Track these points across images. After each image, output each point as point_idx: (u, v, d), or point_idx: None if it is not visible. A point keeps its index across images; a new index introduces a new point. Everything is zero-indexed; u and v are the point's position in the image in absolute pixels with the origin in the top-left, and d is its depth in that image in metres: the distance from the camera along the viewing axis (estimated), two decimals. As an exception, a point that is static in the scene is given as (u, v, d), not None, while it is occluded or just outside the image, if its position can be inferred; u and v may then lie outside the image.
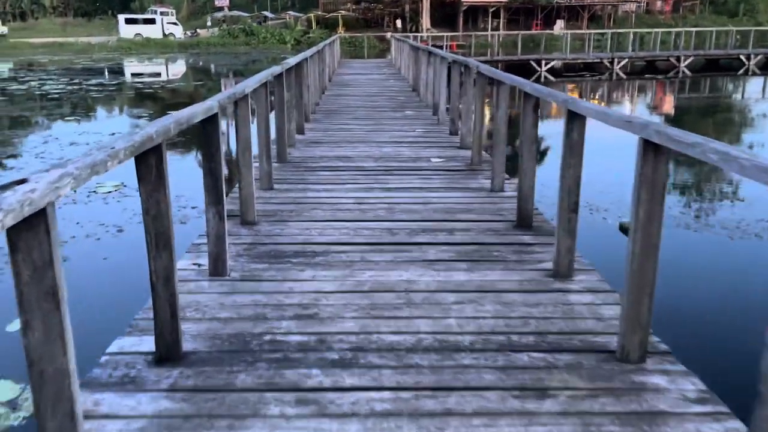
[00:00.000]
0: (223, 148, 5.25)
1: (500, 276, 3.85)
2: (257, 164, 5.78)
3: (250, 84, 4.55)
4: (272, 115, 6.54)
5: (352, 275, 3.77)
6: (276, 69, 6.18)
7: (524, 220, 4.71)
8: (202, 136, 3.53)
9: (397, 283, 3.67)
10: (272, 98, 6.43)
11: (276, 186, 5.76)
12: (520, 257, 4.15)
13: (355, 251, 4.17)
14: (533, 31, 41.28)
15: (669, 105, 20.67)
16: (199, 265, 3.86)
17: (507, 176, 5.79)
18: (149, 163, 2.64)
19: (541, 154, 10.65)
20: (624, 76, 27.53)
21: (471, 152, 7.04)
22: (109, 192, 7.35)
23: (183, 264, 3.90)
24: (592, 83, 25.66)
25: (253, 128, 5.05)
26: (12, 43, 45.71)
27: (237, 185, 4.72)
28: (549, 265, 4.02)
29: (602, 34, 33.20)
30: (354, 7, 53.31)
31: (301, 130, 8.68)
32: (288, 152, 7.22)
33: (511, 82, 5.15)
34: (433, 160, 6.99)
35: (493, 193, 5.63)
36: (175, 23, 50.33)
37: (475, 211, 5.08)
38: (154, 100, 20.51)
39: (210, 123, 3.50)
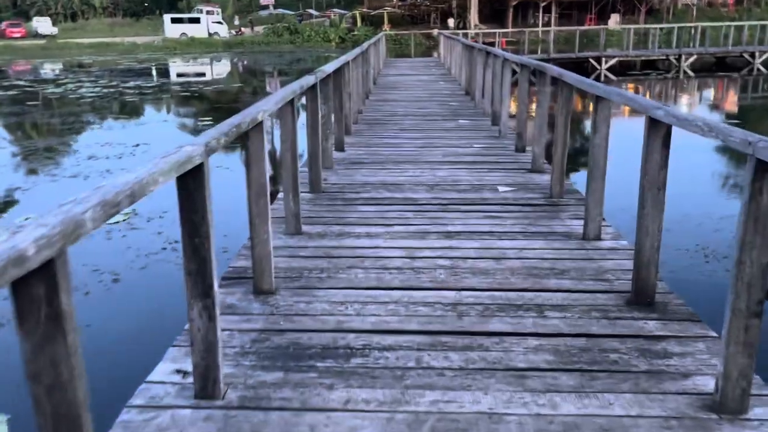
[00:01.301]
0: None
1: (630, 408, 2.50)
2: (281, 204, 4.62)
3: (265, 107, 3.34)
4: (306, 132, 5.37)
5: (405, 401, 2.52)
6: (308, 80, 4.98)
7: (643, 293, 3.37)
8: (179, 194, 2.36)
9: (474, 421, 2.42)
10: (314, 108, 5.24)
11: (305, 228, 4.57)
12: (652, 364, 2.80)
13: (407, 347, 2.93)
14: (588, 27, 39.17)
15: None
16: (184, 373, 2.68)
17: (604, 220, 4.45)
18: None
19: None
20: (692, 74, 25.46)
21: (549, 180, 5.70)
22: (117, 222, 6.34)
23: (161, 372, 2.74)
24: (660, 82, 23.72)
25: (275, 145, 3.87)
26: (60, 43, 46.11)
27: (249, 240, 3.53)
28: (703, 382, 2.66)
29: (662, 29, 30.94)
30: (399, 4, 51.94)
31: (340, 147, 7.48)
32: (324, 178, 6.02)
33: (620, 100, 3.80)
34: (501, 189, 5.69)
35: (586, 242, 4.30)
36: (220, 22, 50.00)
37: (568, 275, 3.76)
38: (194, 101, 19.71)
39: (193, 178, 2.32)
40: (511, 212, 4.99)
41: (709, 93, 22.41)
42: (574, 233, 4.48)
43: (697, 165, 9.11)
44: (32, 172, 9.86)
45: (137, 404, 2.49)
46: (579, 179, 6.20)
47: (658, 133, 3.14)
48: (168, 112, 18.31)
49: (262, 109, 3.25)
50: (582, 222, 4.58)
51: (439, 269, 3.83)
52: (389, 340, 3.00)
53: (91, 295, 4.70)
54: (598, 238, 4.33)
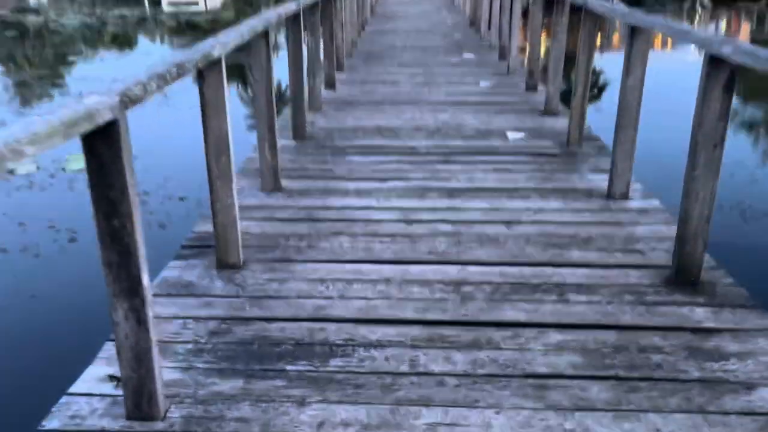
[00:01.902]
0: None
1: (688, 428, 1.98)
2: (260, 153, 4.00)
3: (223, 40, 2.66)
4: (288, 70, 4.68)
5: (395, 424, 1.98)
6: (289, 7, 4.24)
7: (686, 271, 2.79)
8: (87, 163, 1.74)
9: (484, 454, 1.90)
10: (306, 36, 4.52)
11: (285, 184, 3.96)
12: (704, 369, 2.24)
13: (400, 343, 2.37)
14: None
15: None
16: (118, 381, 2.14)
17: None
18: None
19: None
20: (708, 5, 24.11)
21: (565, 125, 5.05)
22: (82, 170, 5.72)
23: (88, 379, 2.19)
24: (673, 15, 22.44)
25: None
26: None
27: (211, 203, 2.93)
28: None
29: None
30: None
31: (331, 84, 6.76)
32: (310, 122, 5.35)
33: (667, 31, 3.10)
34: (511, 135, 5.03)
35: (612, 202, 3.70)
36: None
37: (593, 244, 3.18)
38: (186, 31, 18.63)
39: (104, 141, 1.70)
40: (522, 164, 4.36)
41: (723, 25, 21.24)
42: (596, 190, 3.86)
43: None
44: None
45: (52, 428, 1.96)
46: (593, 124, 5.54)
47: (720, 75, 2.48)
48: (157, 43, 17.32)
49: (218, 43, 2.58)
50: (606, 177, 3.97)
51: (439, 237, 3.24)
52: (378, 332, 2.45)
53: (41, 259, 4.15)
54: (626, 197, 3.72)
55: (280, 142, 4.78)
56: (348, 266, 2.95)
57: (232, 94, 8.92)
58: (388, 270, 2.91)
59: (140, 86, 1.82)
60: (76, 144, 1.66)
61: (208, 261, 2.98)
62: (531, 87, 6.61)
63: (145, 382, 1.92)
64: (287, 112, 5.29)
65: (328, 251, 3.09)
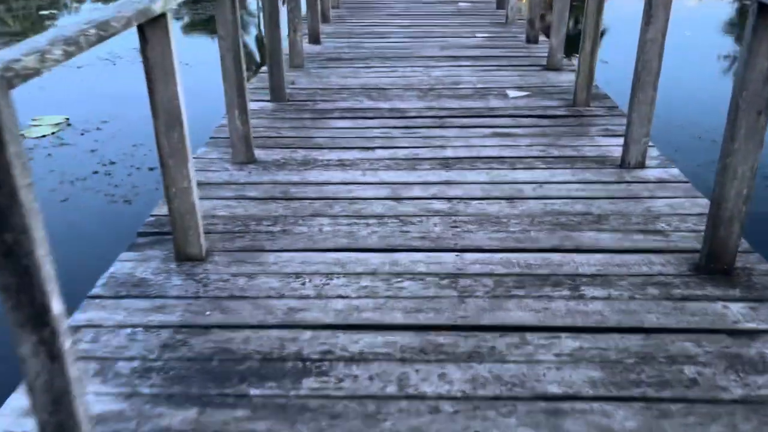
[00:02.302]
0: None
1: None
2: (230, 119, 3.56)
3: (167, -10, 2.20)
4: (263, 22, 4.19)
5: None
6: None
7: (719, 258, 2.41)
8: None
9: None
10: None
11: (259, 155, 3.52)
12: (748, 386, 1.86)
13: (386, 356, 1.97)
14: None
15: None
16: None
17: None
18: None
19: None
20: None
21: (571, 82, 4.60)
22: (44, 136, 5.26)
23: (4, 416, 1.82)
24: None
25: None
26: None
27: (164, 187, 2.51)
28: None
29: None
30: None
31: (315, 38, 6.23)
32: (290, 81, 4.87)
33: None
34: (511, 94, 4.57)
35: (626, 171, 3.29)
36: None
37: (608, 223, 2.78)
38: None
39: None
40: (525, 127, 3.92)
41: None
42: (609, 158, 3.45)
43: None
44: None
45: (-44, 484, 1.60)
46: (600, 77, 5.07)
47: (771, 26, 2.05)
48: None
49: (160, -6, 2.12)
50: (618, 142, 3.56)
51: (433, 218, 2.85)
52: (360, 342, 2.07)
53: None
54: (642, 165, 3.31)
55: (257, 105, 4.34)
56: (328, 255, 2.55)
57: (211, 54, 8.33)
58: (374, 260, 2.52)
59: (36, 56, 1.39)
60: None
61: (166, 251, 2.58)
62: (532, 39, 6.11)
63: (66, 429, 1.56)
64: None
65: (305, 237, 2.70)
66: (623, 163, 3.32)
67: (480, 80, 4.91)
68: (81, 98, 6.55)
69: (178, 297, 2.30)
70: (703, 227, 2.69)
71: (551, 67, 5.16)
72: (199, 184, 3.15)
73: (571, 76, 4.93)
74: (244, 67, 3.25)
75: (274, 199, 3.03)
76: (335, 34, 6.72)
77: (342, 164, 3.41)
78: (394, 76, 5.06)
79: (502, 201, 2.99)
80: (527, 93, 4.56)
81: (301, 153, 3.57)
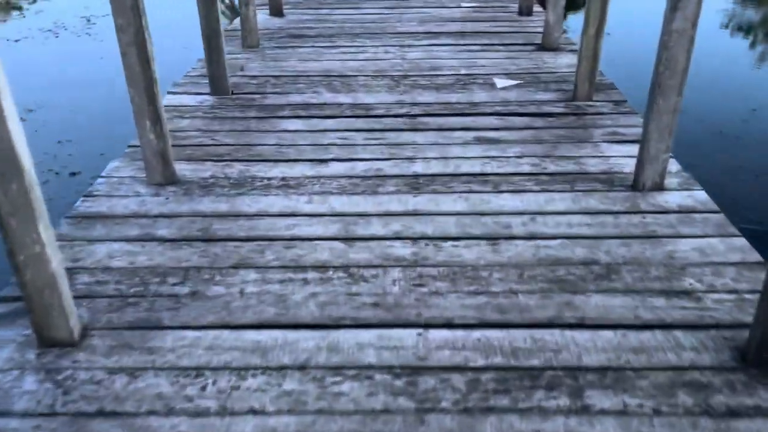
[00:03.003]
0: None
1: None
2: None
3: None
4: None
5: None
6: None
7: (771, 344, 1.79)
8: None
9: None
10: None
11: (184, 171, 2.83)
12: None
13: None
14: None
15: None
16: None
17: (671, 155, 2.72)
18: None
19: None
20: None
21: (571, 67, 3.91)
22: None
23: None
24: None
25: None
26: None
27: (9, 254, 1.83)
28: None
29: None
30: None
31: (277, 9, 5.44)
32: (240, 68, 4.12)
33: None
34: (500, 83, 3.86)
35: (641, 196, 2.62)
36: None
37: (620, 280, 2.09)
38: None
39: None
40: (515, 130, 3.23)
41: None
42: (618, 175, 2.78)
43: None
44: None
45: None
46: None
47: None
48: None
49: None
50: (629, 150, 2.90)
51: (392, 270, 2.18)
52: (270, 499, 1.45)
53: None
54: (660, 186, 2.65)
55: (193, 100, 3.61)
56: (245, 336, 1.90)
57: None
58: (307, 342, 1.87)
59: None
60: None
61: (28, 331, 1.93)
62: (525, 10, 5.35)
63: None
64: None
65: (220, 305, 2.03)
66: (637, 185, 2.65)
67: (463, 64, 4.18)
68: (8, 81, 5.78)
69: (24, 414, 1.66)
70: (745, 284, 2.06)
71: (547, 46, 4.44)
72: (98, 217, 2.47)
73: (571, 59, 4.21)
74: (154, 63, 2.53)
75: (189, 241, 2.35)
76: (302, 3, 5.92)
77: (286, 185, 2.73)
78: (362, 59, 4.32)
79: (483, 242, 2.33)
80: (518, 82, 3.85)
81: (237, 168, 2.88)
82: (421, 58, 4.30)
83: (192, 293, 2.07)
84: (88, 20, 7.31)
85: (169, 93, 3.70)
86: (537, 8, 5.51)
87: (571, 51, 4.40)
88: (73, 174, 3.83)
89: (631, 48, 5.78)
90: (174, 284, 2.12)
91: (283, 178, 2.78)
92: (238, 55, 4.39)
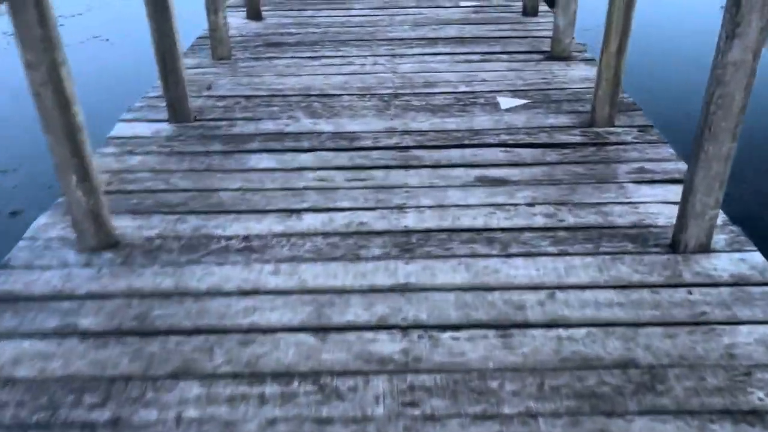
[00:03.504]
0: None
1: None
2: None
3: None
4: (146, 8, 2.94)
5: None
6: None
7: None
8: None
9: None
10: None
11: (125, 229, 2.35)
12: None
13: None
14: None
15: None
16: None
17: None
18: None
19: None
20: None
21: (589, 85, 3.42)
22: None
23: None
24: None
25: None
26: None
27: None
28: None
29: None
30: None
31: (255, 12, 4.91)
32: (207, 86, 3.61)
33: None
34: (504, 103, 3.35)
35: (682, 260, 2.14)
36: None
37: (670, 389, 1.61)
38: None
39: None
40: (524, 166, 2.73)
41: None
42: (651, 230, 2.29)
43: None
44: None
45: None
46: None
47: None
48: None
49: None
50: (663, 193, 2.42)
51: (375, 379, 1.69)
52: None
53: None
54: (707, 248, 2.17)
55: (149, 129, 3.10)
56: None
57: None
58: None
59: None
60: None
61: None
62: (530, 10, 4.83)
63: None
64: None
65: (149, 439, 1.57)
66: (677, 245, 2.17)
67: (462, 78, 3.68)
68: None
69: None
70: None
71: (557, 54, 3.93)
72: (10, 300, 1.98)
73: (585, 70, 3.70)
74: (76, 105, 2.03)
75: (120, 334, 1.87)
76: (284, 3, 5.39)
77: (248, 247, 2.24)
78: (347, 72, 3.80)
79: (490, 333, 1.85)
80: (525, 101, 3.34)
81: (192, 223, 2.39)
82: (414, 71, 3.79)
83: (113, 421, 1.60)
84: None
85: (121, 121, 3.20)
86: (543, 6, 4.99)
87: (585, 60, 3.89)
88: (13, 214, 3.34)
89: (648, 51, 5.27)
90: (91, 406, 1.64)
91: (245, 237, 2.29)
92: (207, 69, 3.88)
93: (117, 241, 2.27)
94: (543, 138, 2.96)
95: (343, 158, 2.82)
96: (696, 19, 6.42)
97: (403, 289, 2.02)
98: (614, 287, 2.01)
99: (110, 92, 4.79)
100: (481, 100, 3.37)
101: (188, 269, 2.13)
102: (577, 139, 2.94)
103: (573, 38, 3.96)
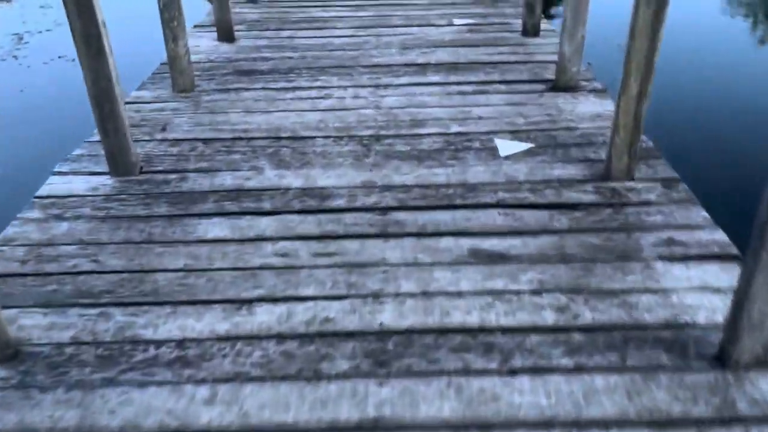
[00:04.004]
0: None
1: None
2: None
3: None
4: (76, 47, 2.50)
5: None
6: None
7: None
8: None
9: None
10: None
11: (32, 328, 1.89)
12: None
13: None
14: None
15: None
16: None
17: None
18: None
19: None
20: None
21: (611, 133, 2.97)
22: None
23: None
24: None
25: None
26: None
27: None
28: None
29: None
30: None
31: (227, 33, 4.45)
32: (162, 127, 3.14)
33: None
34: (504, 148, 2.89)
35: (734, 380, 1.69)
36: None
37: None
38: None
39: None
40: (528, 235, 2.27)
41: None
42: (689, 332, 1.82)
43: None
44: None
45: None
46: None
47: None
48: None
49: None
50: (697, 276, 1.96)
51: None
52: None
53: None
54: (764, 362, 1.72)
55: (83, 184, 2.62)
56: None
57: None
58: None
59: None
60: None
61: None
62: (531, 29, 4.37)
63: None
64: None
65: None
66: (725, 358, 1.71)
67: (454, 115, 3.21)
68: None
69: None
70: None
71: (563, 85, 3.47)
72: None
73: (596, 104, 3.24)
74: None
75: None
76: (260, 22, 4.93)
77: (181, 357, 1.78)
78: (324, 108, 3.34)
79: (489, 501, 1.40)
80: (528, 146, 2.88)
81: (116, 320, 1.92)
82: (400, 106, 3.33)
83: None
84: (21, 38, 6.30)
85: (55, 174, 2.73)
86: (545, 24, 4.53)
87: (594, 91, 3.43)
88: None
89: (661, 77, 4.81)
90: None
91: (179, 343, 1.83)
92: (166, 104, 3.42)
93: (19, 350, 1.81)
94: (550, 196, 2.50)
95: (310, 223, 2.36)
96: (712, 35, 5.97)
97: (374, 427, 1.56)
98: (649, 425, 1.55)
99: (74, 120, 4.33)
100: (476, 144, 2.91)
101: (100, 395, 1.66)
102: (591, 197, 2.48)
103: (580, 67, 3.50)
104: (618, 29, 5.79)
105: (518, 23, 4.64)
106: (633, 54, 2.33)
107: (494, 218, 2.36)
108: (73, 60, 5.80)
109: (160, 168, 2.76)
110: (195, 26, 4.80)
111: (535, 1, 4.27)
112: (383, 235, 2.29)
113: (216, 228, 2.34)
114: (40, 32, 6.44)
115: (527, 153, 2.82)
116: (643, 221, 2.32)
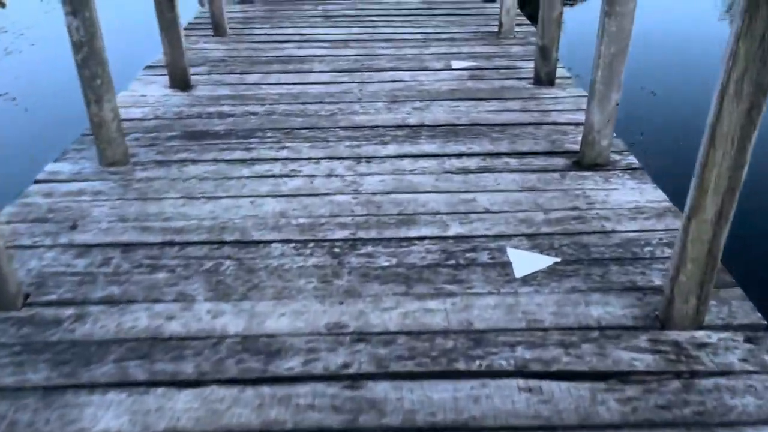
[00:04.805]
0: None
1: None
2: None
3: None
4: None
5: None
6: None
7: None
8: None
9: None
10: None
11: None
12: None
13: None
14: None
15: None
16: None
17: None
18: None
19: None
20: None
21: (673, 270, 2.23)
22: None
23: None
24: None
25: None
26: None
27: None
28: None
29: None
30: None
31: (181, 80, 3.72)
32: (72, 224, 2.39)
33: None
34: (521, 270, 2.19)
35: None
36: None
37: None
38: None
39: None
40: (564, 431, 1.58)
41: None
42: None
43: None
44: None
45: None
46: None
47: None
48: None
49: None
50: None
51: None
52: None
53: None
54: None
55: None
56: None
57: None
58: None
59: None
60: None
61: None
62: (545, 78, 3.67)
63: None
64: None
65: None
66: None
67: (454, 208, 2.49)
68: None
69: None
70: None
71: (590, 162, 2.76)
72: None
73: (635, 192, 2.52)
74: None
75: None
76: (225, 62, 4.20)
77: None
78: (287, 193, 2.61)
79: None
80: (553, 260, 2.17)
81: None
82: (384, 191, 2.61)
83: None
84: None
85: None
86: (560, 71, 3.81)
87: (630, 169, 2.73)
88: None
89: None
90: None
91: None
92: (85, 185, 2.68)
93: None
94: (589, 357, 1.77)
95: (246, 405, 1.63)
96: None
97: None
98: None
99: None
100: (484, 257, 2.19)
101: None
102: (647, 360, 1.76)
103: (612, 140, 2.79)
104: (638, 64, 5.11)
105: (528, 67, 3.94)
106: (710, 165, 1.63)
107: (513, 398, 1.65)
108: (15, 99, 5.08)
109: (53, 297, 2.03)
110: (146, 67, 4.08)
111: (552, 44, 3.57)
112: (355, 386, 1.57)
113: (109, 414, 1.61)
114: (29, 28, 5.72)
115: (552, 272, 2.11)
116: (726, 406, 1.60)
